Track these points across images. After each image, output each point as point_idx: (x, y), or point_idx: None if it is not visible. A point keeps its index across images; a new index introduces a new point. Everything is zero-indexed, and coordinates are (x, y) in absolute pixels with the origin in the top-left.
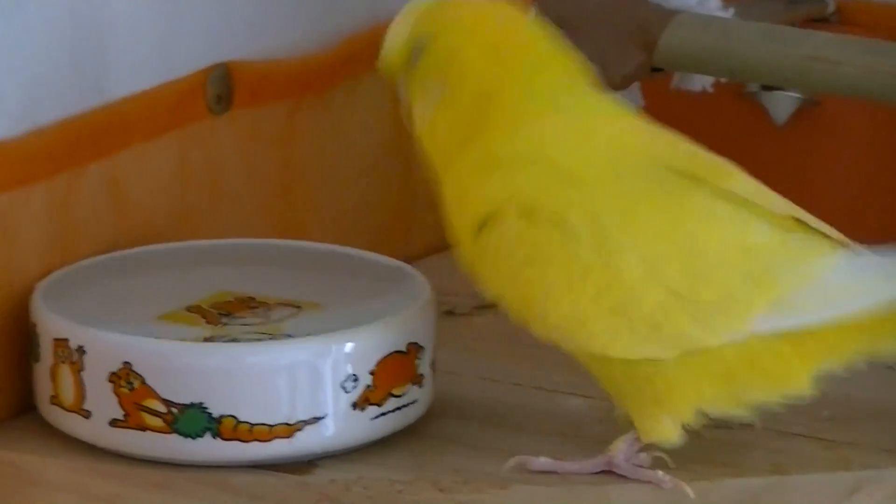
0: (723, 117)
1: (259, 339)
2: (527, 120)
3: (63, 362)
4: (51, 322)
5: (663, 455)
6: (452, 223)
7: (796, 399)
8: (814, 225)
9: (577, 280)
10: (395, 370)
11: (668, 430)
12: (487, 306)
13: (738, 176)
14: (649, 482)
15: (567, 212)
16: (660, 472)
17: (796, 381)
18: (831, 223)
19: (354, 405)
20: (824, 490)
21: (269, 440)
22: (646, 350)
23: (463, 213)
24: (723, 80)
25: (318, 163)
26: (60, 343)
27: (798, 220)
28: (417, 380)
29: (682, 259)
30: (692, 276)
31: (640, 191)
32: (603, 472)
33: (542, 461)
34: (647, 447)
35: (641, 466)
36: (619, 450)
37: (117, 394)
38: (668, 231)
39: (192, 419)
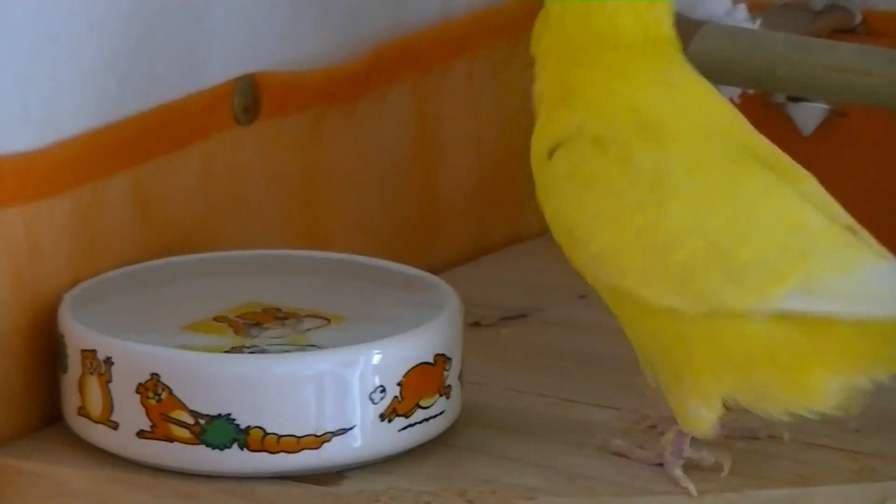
0: (756, 127)
1: (286, 350)
2: (625, 69)
3: (91, 373)
4: (78, 333)
5: (723, 462)
6: (532, 150)
7: (819, 412)
8: (865, 238)
9: (626, 211)
10: (423, 381)
11: (700, 419)
12: (514, 317)
13: (809, 179)
14: (679, 487)
15: (636, 149)
16: (690, 485)
17: (814, 386)
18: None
19: (382, 416)
20: (850, 501)
21: (296, 451)
22: (672, 300)
23: (541, 138)
24: (750, 90)
25: (342, 173)
26: (88, 354)
27: (852, 229)
28: (445, 391)
29: (730, 216)
30: (735, 233)
31: (711, 152)
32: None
33: (618, 443)
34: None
35: (700, 462)
36: (669, 442)
37: (145, 405)
38: (724, 190)
39: (220, 430)
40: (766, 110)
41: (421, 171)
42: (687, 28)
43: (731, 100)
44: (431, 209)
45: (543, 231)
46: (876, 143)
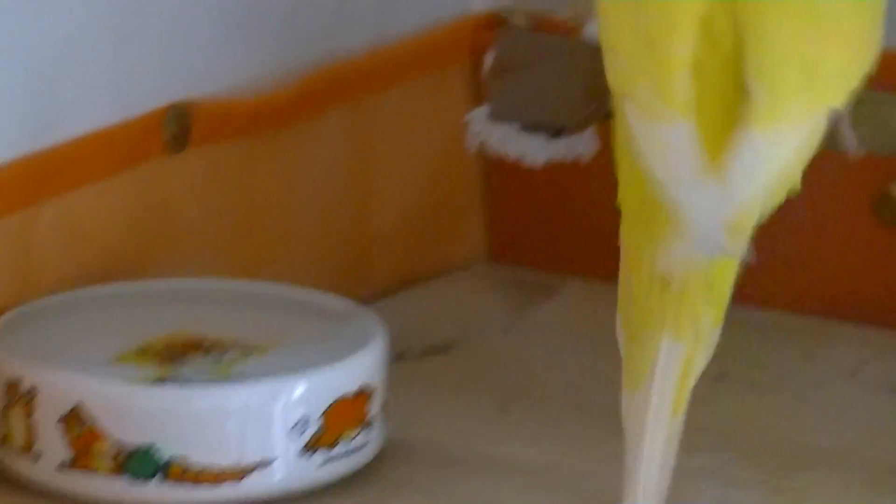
0: None
1: (210, 381)
2: None
3: (15, 403)
4: (3, 362)
5: None
6: None
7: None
8: None
9: None
10: (346, 414)
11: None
12: (438, 351)
13: None
14: None
15: None
16: None
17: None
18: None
19: (304, 449)
20: None
21: (218, 484)
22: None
23: None
24: None
25: (274, 202)
26: (13, 383)
27: None
28: (368, 424)
29: None
30: None
31: None
32: None
33: None
34: None
35: None
36: None
37: (67, 435)
38: None
39: (142, 462)
40: None
41: (352, 201)
42: None
43: None
44: (363, 239)
45: (472, 262)
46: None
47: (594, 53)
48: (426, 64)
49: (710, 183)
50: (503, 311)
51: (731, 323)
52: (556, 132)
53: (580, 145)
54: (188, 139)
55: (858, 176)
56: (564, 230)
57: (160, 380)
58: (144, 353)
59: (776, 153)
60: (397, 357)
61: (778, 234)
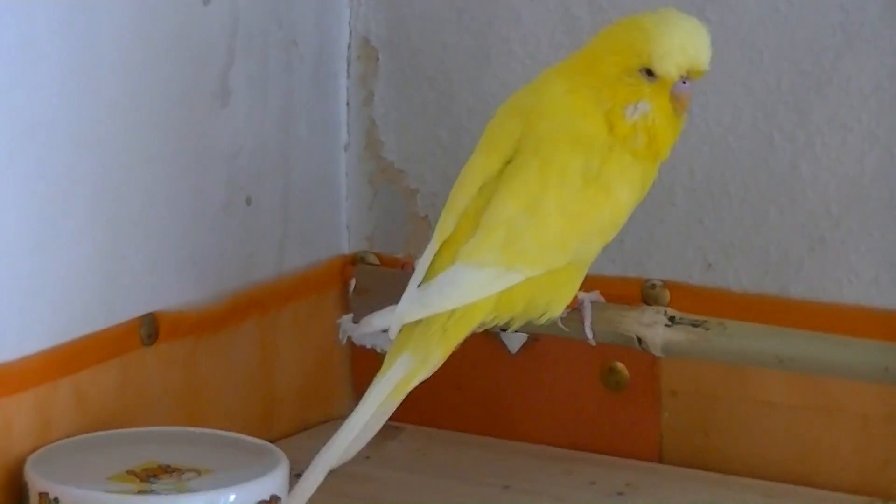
0: (476, 349)
1: (174, 493)
2: None
3: None
4: (35, 480)
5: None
6: None
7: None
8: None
9: None
10: None
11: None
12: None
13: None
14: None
15: None
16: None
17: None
18: (552, 423)
19: None
20: None
21: None
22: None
23: None
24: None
25: (213, 378)
26: (43, 494)
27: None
28: None
29: None
30: None
31: None
32: None
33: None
34: None
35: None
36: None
37: None
38: None
39: None
40: (484, 335)
41: (263, 377)
42: None
43: None
44: (270, 402)
45: (343, 415)
46: (562, 358)
47: None
48: (312, 288)
49: (417, 286)
50: (364, 446)
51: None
52: None
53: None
54: (157, 337)
55: (593, 354)
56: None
57: (141, 492)
58: (129, 475)
59: (465, 281)
60: (295, 475)
61: (531, 389)
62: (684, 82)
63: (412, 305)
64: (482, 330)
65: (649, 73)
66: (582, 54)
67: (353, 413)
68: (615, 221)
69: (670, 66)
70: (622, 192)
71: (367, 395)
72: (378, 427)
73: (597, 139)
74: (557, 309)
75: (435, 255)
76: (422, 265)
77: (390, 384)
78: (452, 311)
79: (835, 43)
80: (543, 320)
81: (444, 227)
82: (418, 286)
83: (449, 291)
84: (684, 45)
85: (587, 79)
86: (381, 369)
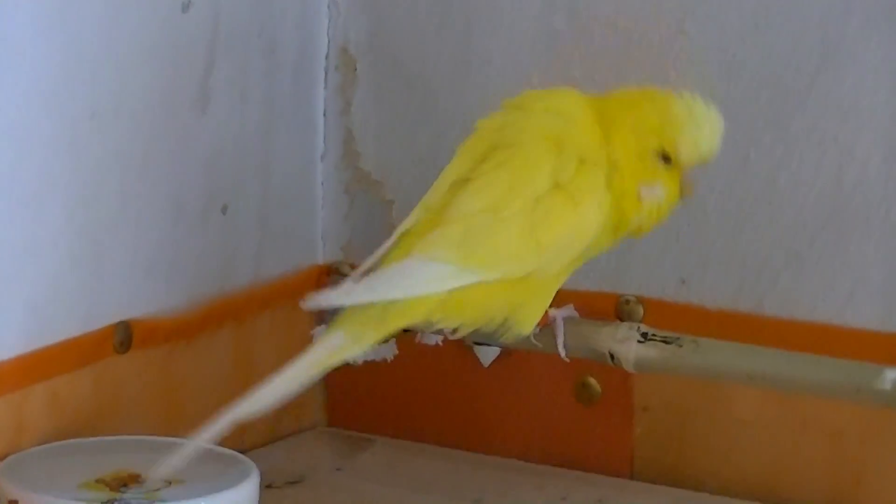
0: (449, 362)
1: (140, 502)
2: None
3: None
4: (6, 487)
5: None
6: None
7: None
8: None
9: None
10: None
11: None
12: (294, 483)
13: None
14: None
15: None
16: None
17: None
18: (525, 437)
19: None
20: None
21: None
22: None
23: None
24: (449, 337)
25: (188, 384)
26: (12, 501)
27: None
28: None
29: None
30: None
31: None
32: None
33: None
34: None
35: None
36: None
37: None
38: None
39: None
40: (460, 350)
41: (238, 384)
42: None
43: (438, 343)
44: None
45: (315, 425)
46: (534, 372)
47: None
48: (287, 296)
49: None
50: (336, 457)
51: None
52: None
53: (385, 351)
54: (130, 345)
55: (565, 368)
56: (376, 407)
57: (110, 501)
58: (99, 483)
59: (415, 274)
60: (266, 486)
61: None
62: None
63: (358, 288)
64: (431, 330)
65: (666, 158)
66: (605, 107)
67: (274, 378)
68: (579, 237)
69: (693, 157)
70: (590, 210)
71: (292, 363)
72: (290, 393)
73: (579, 148)
74: (522, 326)
75: (393, 245)
76: (378, 252)
77: (317, 357)
78: (395, 302)
79: (814, 57)
80: (509, 338)
81: (409, 220)
82: (368, 271)
83: (397, 281)
84: (710, 138)
85: (597, 145)
86: (314, 342)
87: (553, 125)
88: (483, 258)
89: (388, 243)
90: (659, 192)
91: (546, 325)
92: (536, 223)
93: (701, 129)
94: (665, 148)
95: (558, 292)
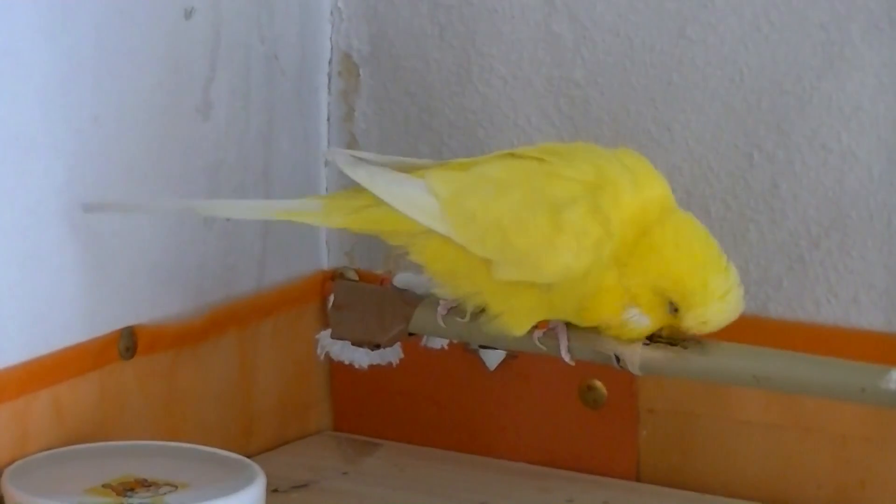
0: (454, 365)
1: None
2: None
3: None
4: (12, 493)
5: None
6: None
7: None
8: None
9: None
10: None
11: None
12: (300, 487)
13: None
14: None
15: None
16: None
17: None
18: (530, 440)
19: None
20: None
21: None
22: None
23: None
24: (454, 341)
25: (192, 391)
26: None
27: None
28: None
29: None
30: None
31: None
32: None
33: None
34: None
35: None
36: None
37: None
38: None
39: None
40: (464, 354)
41: (242, 391)
42: (413, 300)
43: (443, 347)
44: (249, 416)
45: (322, 430)
46: (540, 375)
47: (399, 294)
48: (291, 302)
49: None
50: (342, 461)
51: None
52: (375, 346)
53: (391, 355)
54: (135, 351)
55: (571, 372)
56: (382, 411)
57: None
58: (106, 489)
59: (407, 190)
60: (272, 491)
61: (509, 406)
62: None
63: (364, 169)
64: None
65: (675, 309)
66: (644, 214)
67: (238, 202)
68: (540, 266)
69: (693, 322)
70: (566, 253)
71: (262, 201)
72: (243, 218)
73: (605, 210)
74: (508, 325)
75: (427, 166)
76: (410, 162)
77: (286, 205)
78: (378, 204)
79: (816, 62)
80: (493, 330)
81: (451, 161)
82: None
83: (392, 188)
84: (722, 320)
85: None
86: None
87: (606, 177)
88: (459, 214)
89: (427, 162)
90: (642, 321)
91: (549, 328)
92: (514, 221)
93: (720, 312)
94: (677, 303)
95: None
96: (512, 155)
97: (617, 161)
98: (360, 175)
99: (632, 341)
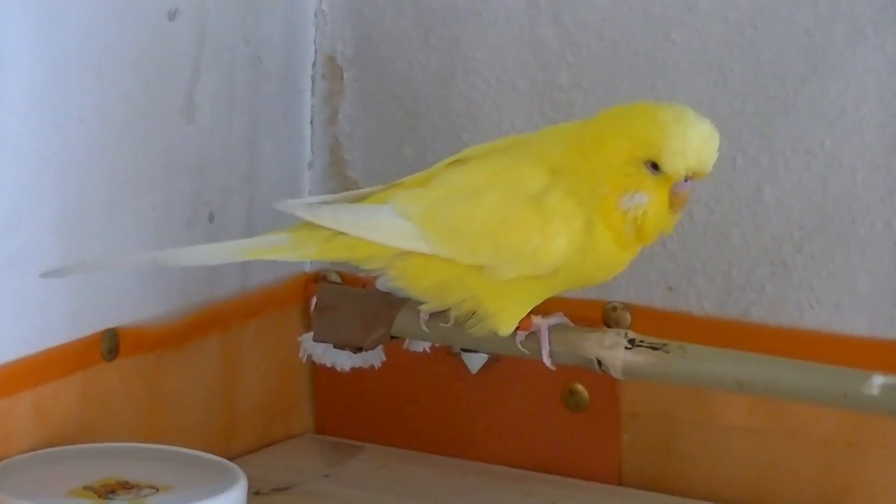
0: (437, 368)
1: None
2: None
3: None
4: None
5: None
6: None
7: None
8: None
9: None
10: None
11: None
12: (282, 489)
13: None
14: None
15: None
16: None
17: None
18: (513, 444)
19: None
20: None
21: None
22: None
23: None
24: (436, 344)
25: (175, 392)
26: None
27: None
28: None
29: None
30: None
31: None
32: None
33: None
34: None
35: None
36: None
37: None
38: None
39: None
40: (447, 357)
41: (225, 393)
42: (396, 303)
43: (426, 350)
44: (231, 419)
45: (303, 433)
46: (522, 378)
47: (382, 297)
48: (274, 305)
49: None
50: (324, 464)
51: (471, 470)
52: (357, 349)
53: (373, 358)
54: (118, 352)
55: (553, 375)
56: (365, 414)
57: None
58: (88, 491)
59: (377, 221)
60: (254, 493)
61: (491, 409)
62: (686, 181)
63: (325, 210)
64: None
65: (655, 166)
66: (587, 129)
67: (206, 246)
68: (538, 260)
69: (680, 166)
70: (556, 240)
71: (230, 242)
72: (212, 263)
73: (570, 182)
74: (497, 324)
75: (381, 189)
76: (364, 191)
77: (254, 244)
78: (348, 237)
79: (800, 67)
80: (481, 331)
81: (404, 180)
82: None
83: (360, 220)
84: (699, 147)
85: (584, 163)
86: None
87: (551, 154)
88: (441, 230)
89: (379, 188)
90: (640, 199)
91: (530, 331)
92: (501, 223)
93: (691, 137)
94: (652, 155)
95: (547, 300)
96: (459, 161)
97: (543, 140)
98: (324, 217)
99: (652, 223)
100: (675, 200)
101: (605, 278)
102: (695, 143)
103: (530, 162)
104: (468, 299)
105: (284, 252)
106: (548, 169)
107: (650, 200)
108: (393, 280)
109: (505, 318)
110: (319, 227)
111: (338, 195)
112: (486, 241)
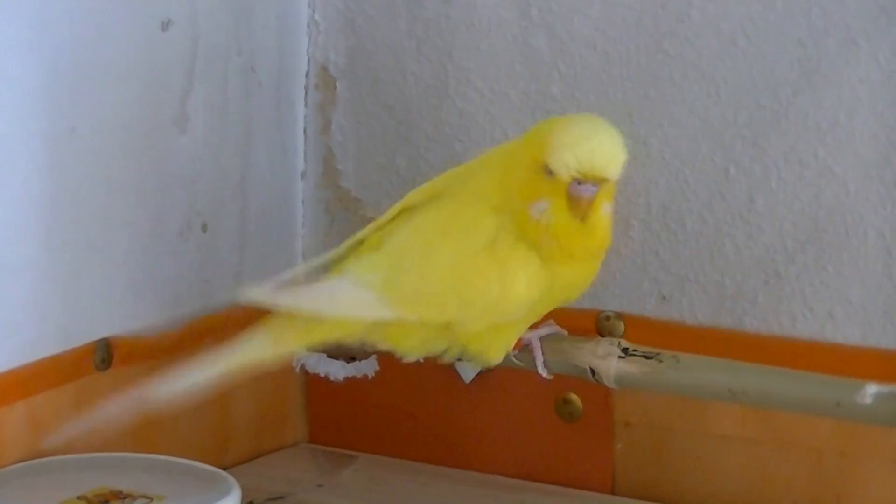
0: (430, 378)
1: None
2: None
3: None
4: None
5: None
6: None
7: None
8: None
9: None
10: None
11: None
12: (276, 500)
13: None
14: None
15: None
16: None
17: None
18: (506, 453)
19: None
20: None
21: None
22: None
23: None
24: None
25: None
26: None
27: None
28: None
29: None
30: None
31: None
32: None
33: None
34: None
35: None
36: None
37: None
38: None
39: None
40: (440, 367)
41: (219, 405)
42: None
43: (418, 360)
44: (225, 429)
45: (297, 442)
46: (515, 388)
47: None
48: (266, 315)
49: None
50: (318, 474)
51: (464, 479)
52: (350, 358)
53: (366, 367)
54: (111, 363)
55: (546, 385)
56: (358, 423)
57: None
58: (81, 500)
59: (341, 297)
60: (248, 503)
61: (484, 419)
62: (580, 184)
63: (286, 293)
64: (372, 350)
65: (549, 170)
66: (507, 151)
67: (187, 369)
68: (503, 307)
69: (559, 164)
70: (518, 283)
71: (210, 360)
72: (198, 386)
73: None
74: (487, 357)
75: (344, 252)
76: (327, 255)
77: (234, 356)
78: (321, 318)
79: (792, 78)
80: (477, 364)
81: (361, 233)
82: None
83: (322, 299)
84: (577, 144)
85: (510, 184)
86: (238, 341)
87: (486, 187)
88: (404, 297)
89: (341, 248)
90: (542, 205)
91: (523, 346)
92: (459, 280)
93: (569, 134)
94: (543, 158)
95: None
96: (406, 210)
97: (484, 168)
98: (285, 301)
99: (562, 238)
100: (570, 203)
101: (579, 293)
102: (580, 141)
103: (472, 203)
104: (453, 346)
105: (265, 351)
106: (490, 207)
107: (551, 205)
108: (379, 344)
109: (493, 352)
110: (292, 317)
111: (301, 267)
112: (449, 298)
